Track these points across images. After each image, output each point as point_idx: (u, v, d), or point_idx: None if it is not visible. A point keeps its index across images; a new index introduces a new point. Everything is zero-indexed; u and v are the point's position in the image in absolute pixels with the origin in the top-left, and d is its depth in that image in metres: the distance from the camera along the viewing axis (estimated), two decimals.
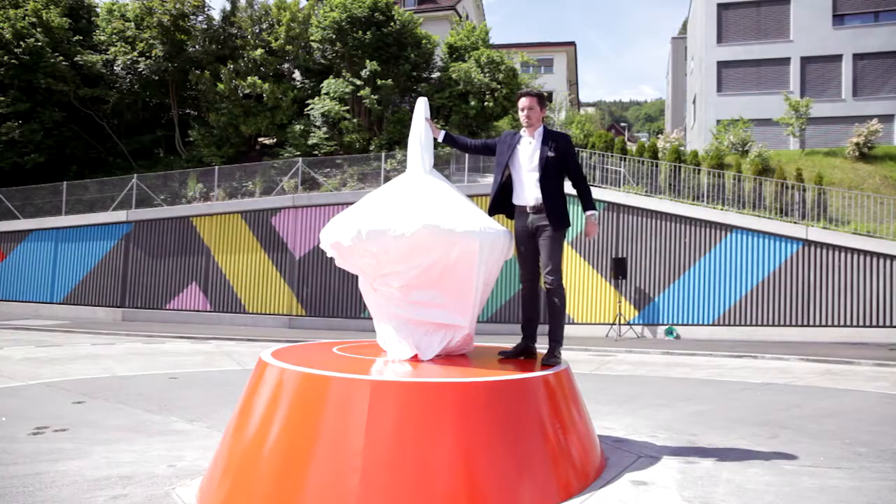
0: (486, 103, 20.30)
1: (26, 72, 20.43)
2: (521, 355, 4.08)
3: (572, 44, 38.98)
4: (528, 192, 4.09)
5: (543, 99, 4.23)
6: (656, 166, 16.63)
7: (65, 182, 19.95)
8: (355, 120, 20.15)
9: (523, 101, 4.11)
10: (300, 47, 21.92)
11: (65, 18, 21.47)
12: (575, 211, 15.81)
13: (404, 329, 3.84)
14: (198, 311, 17.57)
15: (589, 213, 4.09)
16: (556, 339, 4.00)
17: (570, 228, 16.60)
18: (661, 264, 15.17)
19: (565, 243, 15.78)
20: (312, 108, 20.13)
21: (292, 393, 3.08)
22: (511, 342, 4.31)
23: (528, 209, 4.09)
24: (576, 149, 16.90)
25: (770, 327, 14.22)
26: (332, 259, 3.93)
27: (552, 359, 3.82)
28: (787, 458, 4.11)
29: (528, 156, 4.10)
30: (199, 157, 21.18)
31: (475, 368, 3.53)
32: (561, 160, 4.07)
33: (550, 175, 4.04)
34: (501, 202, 4.25)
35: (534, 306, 4.18)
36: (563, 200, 4.10)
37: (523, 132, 4.19)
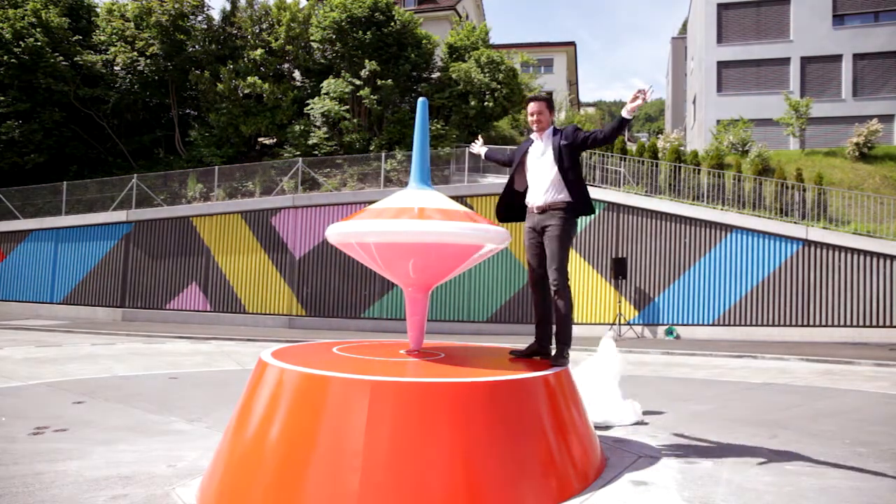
0: (486, 103, 20.29)
1: (26, 72, 20.42)
2: (534, 356, 4.11)
3: (572, 44, 38.94)
4: (536, 192, 4.15)
5: (551, 102, 4.37)
6: (656, 166, 16.63)
7: (65, 182, 19.94)
8: (355, 120, 20.15)
9: (532, 107, 4.20)
10: (300, 47, 21.91)
11: (64, 18, 21.44)
12: None
13: None
14: (198, 311, 17.57)
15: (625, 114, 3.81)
16: (562, 341, 4.02)
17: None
18: (661, 264, 15.17)
19: None
20: (312, 108, 20.12)
21: (292, 393, 3.08)
22: (511, 342, 4.31)
23: (535, 209, 4.14)
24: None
25: (770, 327, 14.22)
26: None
27: (560, 359, 3.89)
28: (787, 458, 4.11)
29: (538, 155, 4.17)
30: (199, 157, 21.17)
31: (475, 368, 3.53)
32: (572, 141, 4.08)
33: (567, 161, 4.06)
34: (508, 208, 4.38)
35: (544, 307, 4.18)
36: (584, 185, 4.12)
37: (534, 136, 4.27)
